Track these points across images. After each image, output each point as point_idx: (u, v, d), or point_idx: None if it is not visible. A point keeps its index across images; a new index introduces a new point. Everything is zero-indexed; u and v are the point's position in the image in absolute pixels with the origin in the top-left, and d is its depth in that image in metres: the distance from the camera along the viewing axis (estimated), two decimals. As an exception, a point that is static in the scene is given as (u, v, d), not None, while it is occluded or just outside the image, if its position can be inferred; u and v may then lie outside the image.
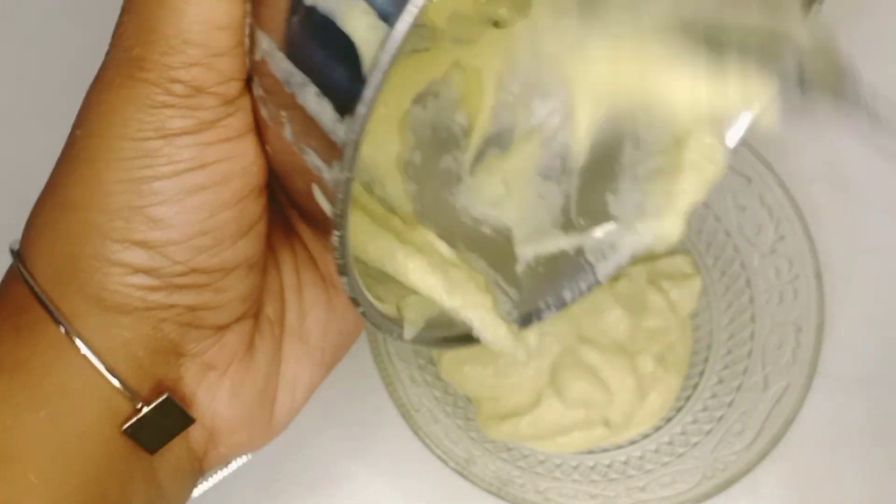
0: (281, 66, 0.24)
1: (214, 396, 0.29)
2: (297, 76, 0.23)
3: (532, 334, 0.32)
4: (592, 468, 0.43)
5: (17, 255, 0.27)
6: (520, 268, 0.32)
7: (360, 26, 0.21)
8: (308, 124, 0.23)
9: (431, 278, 0.29)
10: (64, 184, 0.26)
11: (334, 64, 0.22)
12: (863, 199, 0.48)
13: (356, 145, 0.22)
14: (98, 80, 0.26)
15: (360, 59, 0.21)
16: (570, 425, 0.43)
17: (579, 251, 0.33)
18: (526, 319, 0.32)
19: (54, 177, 0.27)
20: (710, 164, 0.32)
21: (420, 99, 0.32)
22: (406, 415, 0.41)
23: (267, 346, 0.30)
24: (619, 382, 0.43)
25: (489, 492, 0.41)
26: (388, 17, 0.21)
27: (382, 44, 0.21)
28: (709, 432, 0.43)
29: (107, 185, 0.25)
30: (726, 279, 0.45)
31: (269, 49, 0.24)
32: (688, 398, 0.44)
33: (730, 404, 0.43)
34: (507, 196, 0.33)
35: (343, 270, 0.25)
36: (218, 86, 0.25)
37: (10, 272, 0.28)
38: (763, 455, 0.41)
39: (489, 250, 0.32)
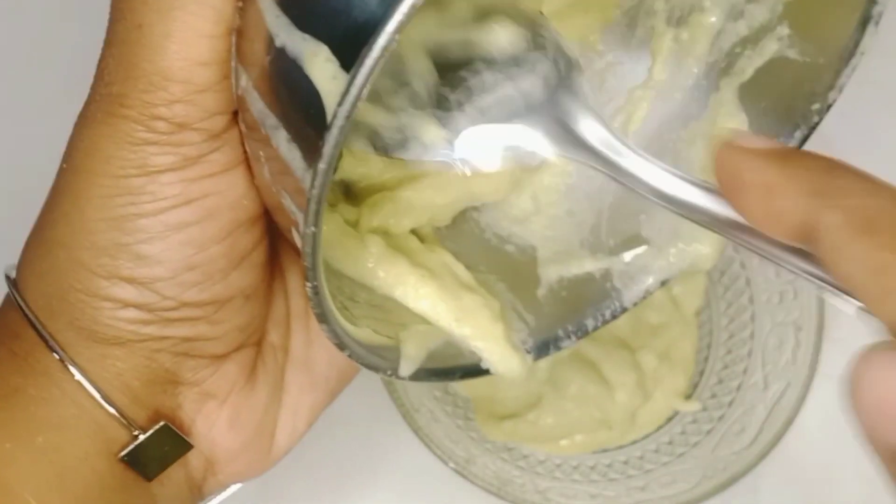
0: (256, 105, 0.23)
1: (213, 425, 0.28)
2: (271, 118, 0.22)
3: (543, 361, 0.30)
4: (592, 468, 0.43)
5: (13, 282, 0.27)
6: (541, 291, 0.30)
7: (324, 75, 0.20)
8: (283, 167, 0.22)
9: (441, 305, 0.27)
10: (51, 219, 0.26)
11: (302, 111, 0.21)
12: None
13: (319, 200, 0.20)
14: (82, 114, 0.25)
15: (325, 111, 0.20)
16: (572, 426, 0.43)
17: (606, 275, 0.30)
18: (542, 348, 0.30)
19: (44, 210, 0.26)
20: None
21: None
22: (406, 415, 0.41)
23: (269, 375, 0.29)
24: (620, 377, 0.43)
25: (489, 492, 0.41)
26: (349, 68, 0.19)
27: (340, 99, 0.19)
28: (709, 432, 0.43)
29: (90, 222, 0.25)
30: (726, 279, 0.45)
31: (247, 87, 0.23)
32: (688, 398, 0.44)
33: (730, 404, 0.43)
34: (535, 212, 0.31)
35: (322, 319, 0.23)
36: (202, 121, 0.24)
37: (8, 297, 0.27)
38: (763, 455, 0.41)
39: (510, 272, 0.30)
